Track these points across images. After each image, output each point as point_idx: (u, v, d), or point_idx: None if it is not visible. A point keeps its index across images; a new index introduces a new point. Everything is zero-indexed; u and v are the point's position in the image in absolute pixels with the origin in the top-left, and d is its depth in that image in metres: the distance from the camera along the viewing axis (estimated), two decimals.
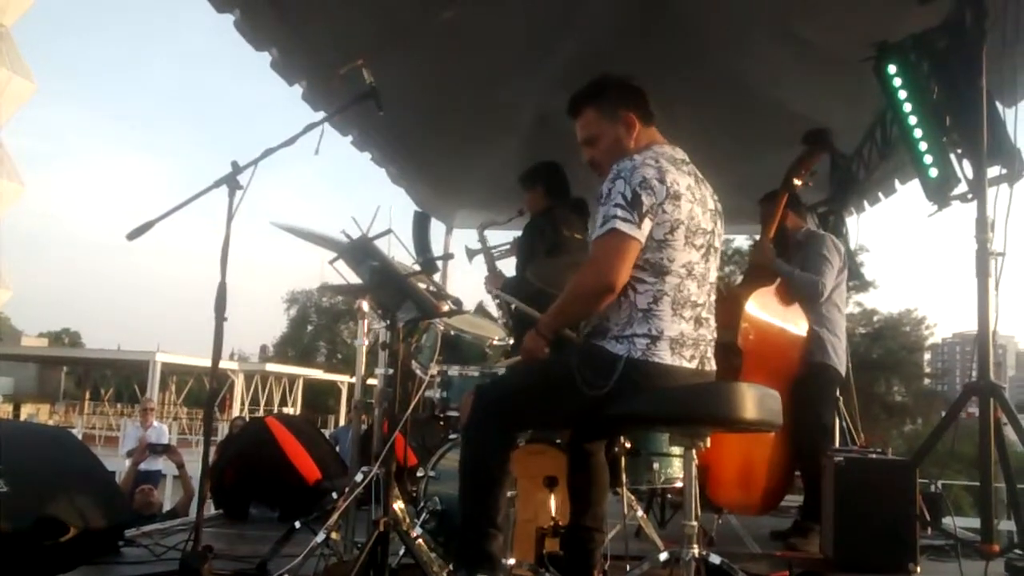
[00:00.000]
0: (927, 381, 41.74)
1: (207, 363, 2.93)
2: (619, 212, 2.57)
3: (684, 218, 2.63)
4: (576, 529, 3.04)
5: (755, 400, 2.50)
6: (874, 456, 4.27)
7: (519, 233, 4.97)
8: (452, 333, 3.63)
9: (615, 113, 2.84)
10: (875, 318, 35.12)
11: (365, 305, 3.48)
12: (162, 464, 8.20)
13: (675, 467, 3.70)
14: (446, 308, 3.10)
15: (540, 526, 3.09)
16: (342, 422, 27.66)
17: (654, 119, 2.89)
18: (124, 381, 45.20)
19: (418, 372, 3.58)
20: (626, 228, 2.56)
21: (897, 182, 6.83)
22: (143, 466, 8.41)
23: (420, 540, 3.10)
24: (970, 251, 4.24)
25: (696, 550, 2.48)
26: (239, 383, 36.71)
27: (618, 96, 2.87)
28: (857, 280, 14.49)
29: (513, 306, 3.96)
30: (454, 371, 3.55)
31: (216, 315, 2.76)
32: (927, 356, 46.16)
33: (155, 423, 10.44)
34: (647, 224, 2.58)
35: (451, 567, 2.78)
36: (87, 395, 44.74)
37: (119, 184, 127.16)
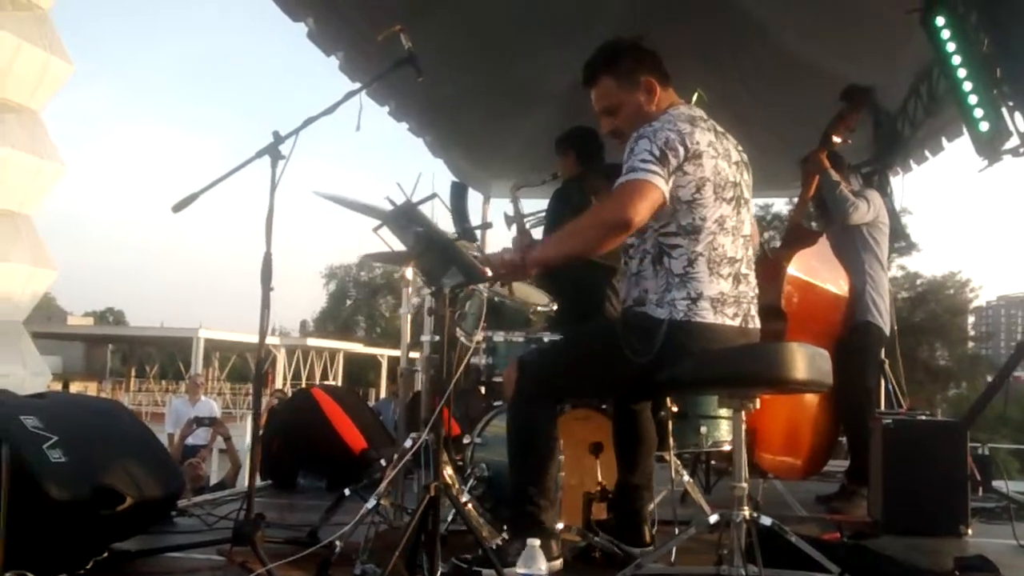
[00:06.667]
0: (971, 345, 41.02)
1: (249, 339, 2.98)
2: (644, 164, 2.52)
3: (709, 175, 2.60)
4: (624, 487, 3.06)
5: (806, 360, 2.47)
6: (923, 418, 4.23)
7: None
8: (496, 299, 3.62)
9: (634, 79, 2.77)
10: (918, 281, 34.59)
11: (409, 273, 3.48)
12: (204, 438, 8.22)
13: (722, 430, 3.67)
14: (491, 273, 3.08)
15: (587, 491, 3.10)
16: (383, 395, 27.94)
17: (671, 80, 2.81)
18: (168, 358, 45.92)
19: (462, 339, 3.58)
20: (650, 177, 2.51)
21: (944, 140, 6.71)
22: (189, 440, 8.50)
23: (469, 505, 3.12)
24: (1021, 208, 4.15)
25: (746, 512, 2.46)
26: (281, 358, 37.17)
27: (634, 61, 2.78)
28: (903, 242, 14.22)
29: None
30: (499, 337, 3.55)
31: (263, 285, 2.77)
32: (971, 319, 45.47)
33: (203, 398, 10.22)
34: (671, 182, 2.54)
35: (505, 535, 2.79)
36: (132, 372, 45.57)
37: (159, 163, 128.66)
